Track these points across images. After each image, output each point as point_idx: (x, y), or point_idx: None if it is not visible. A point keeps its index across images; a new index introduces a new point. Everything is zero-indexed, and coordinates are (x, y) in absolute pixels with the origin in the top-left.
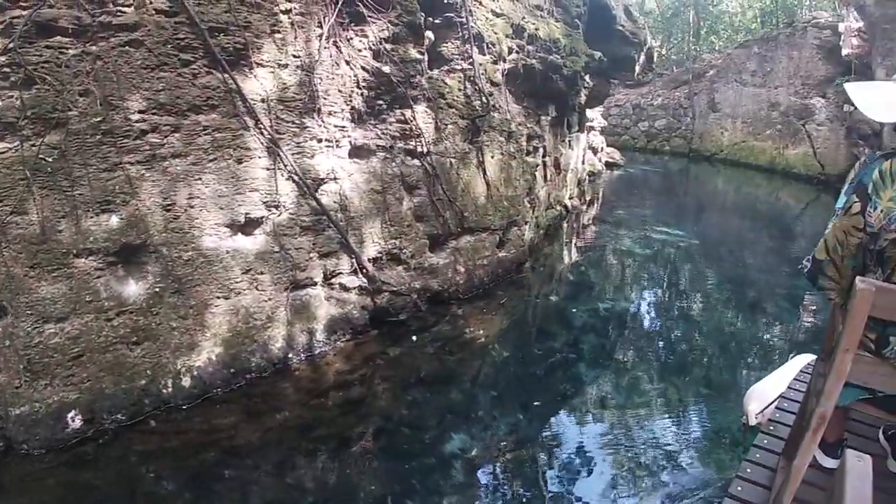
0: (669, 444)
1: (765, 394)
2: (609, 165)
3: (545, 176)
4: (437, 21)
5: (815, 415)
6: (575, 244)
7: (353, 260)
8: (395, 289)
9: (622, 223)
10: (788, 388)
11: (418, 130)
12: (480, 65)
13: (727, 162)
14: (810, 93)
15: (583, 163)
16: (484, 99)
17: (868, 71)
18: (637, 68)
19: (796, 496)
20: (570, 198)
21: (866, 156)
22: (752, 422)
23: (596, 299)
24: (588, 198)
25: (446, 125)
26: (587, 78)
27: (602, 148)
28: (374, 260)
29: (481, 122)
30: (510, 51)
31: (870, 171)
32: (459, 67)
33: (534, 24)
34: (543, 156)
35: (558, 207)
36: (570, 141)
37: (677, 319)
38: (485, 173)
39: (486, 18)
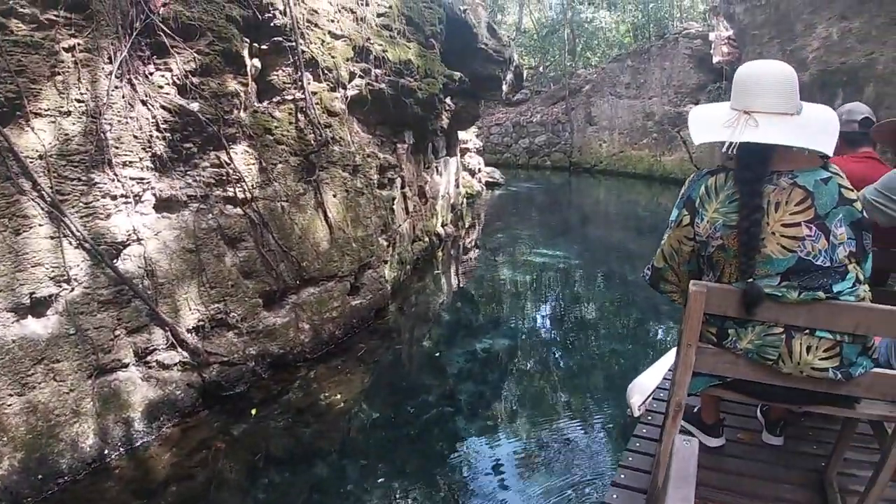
0: (558, 469)
1: (645, 386)
2: (490, 185)
3: (406, 208)
4: (263, 47)
5: (671, 403)
6: (449, 277)
7: (169, 332)
8: (225, 359)
9: (501, 248)
10: (664, 378)
11: (238, 174)
12: (315, 93)
13: (607, 172)
14: (683, 101)
15: (457, 187)
16: (319, 132)
17: None
18: (504, 87)
19: None
20: (444, 225)
21: (695, 172)
22: (636, 413)
23: (472, 339)
24: (467, 222)
25: (275, 164)
26: (448, 100)
27: (480, 168)
28: (196, 329)
29: (317, 158)
30: (353, 76)
31: (697, 186)
32: (291, 98)
33: (381, 45)
34: (402, 186)
35: (427, 239)
36: (437, 167)
37: (560, 347)
38: (326, 215)
39: (323, 41)
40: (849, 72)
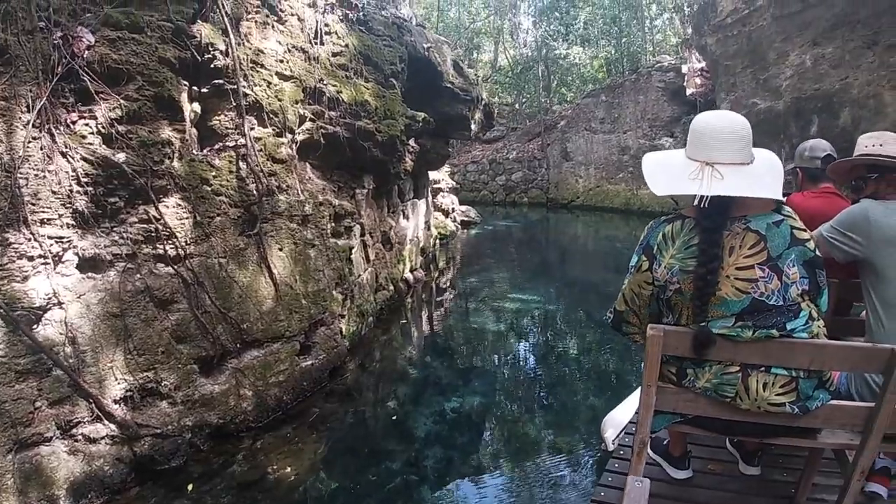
0: None
1: (618, 420)
2: (465, 224)
3: (366, 256)
4: (204, 90)
5: (635, 441)
6: (418, 327)
7: (93, 404)
8: (158, 430)
9: (475, 292)
10: (636, 413)
11: (168, 230)
12: (259, 139)
13: (584, 208)
14: (658, 134)
15: (427, 229)
16: (263, 180)
17: (712, 107)
18: (473, 126)
19: None
20: (413, 270)
21: (654, 220)
22: (610, 447)
23: (441, 397)
24: (440, 265)
25: (212, 218)
26: (412, 142)
27: (454, 208)
28: (124, 399)
29: (259, 209)
30: (303, 119)
31: (655, 234)
32: (233, 144)
33: (335, 86)
34: (362, 234)
35: (391, 287)
36: (403, 210)
37: (534, 399)
38: (270, 270)
39: (269, 83)
40: (823, 98)
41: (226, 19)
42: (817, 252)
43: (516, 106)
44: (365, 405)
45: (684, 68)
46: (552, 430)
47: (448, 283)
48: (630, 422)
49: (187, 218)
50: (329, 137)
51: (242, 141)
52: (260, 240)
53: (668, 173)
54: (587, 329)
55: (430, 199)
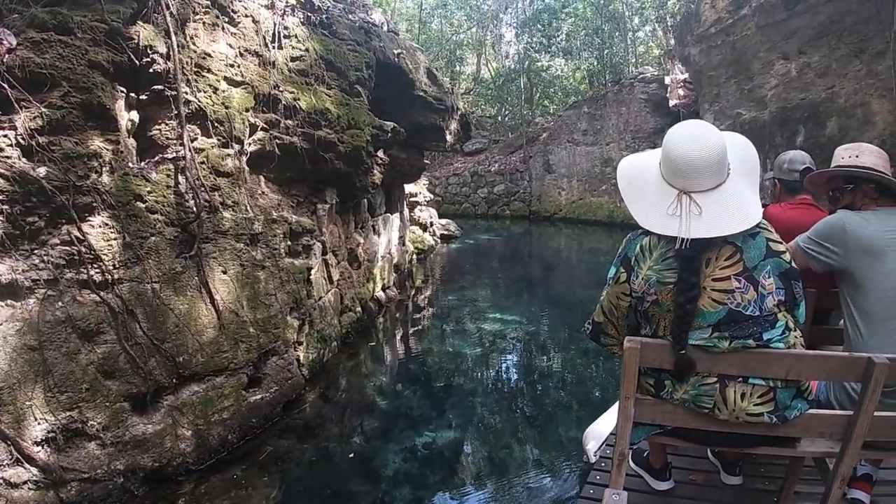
0: None
1: (600, 432)
2: (445, 238)
3: (329, 276)
4: (143, 97)
5: (615, 453)
6: (388, 351)
7: (11, 447)
8: (86, 475)
9: (451, 313)
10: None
11: (93, 252)
12: (202, 150)
13: (567, 220)
14: (641, 145)
15: (402, 244)
16: (203, 196)
17: (695, 118)
18: (449, 137)
19: None
20: (386, 289)
21: (632, 233)
22: (592, 459)
23: (412, 430)
24: (417, 282)
25: (145, 238)
26: (380, 153)
27: (432, 222)
28: (47, 441)
29: (199, 228)
30: (254, 129)
31: (633, 245)
32: (172, 156)
33: (293, 92)
34: (324, 252)
35: (359, 309)
36: (374, 225)
37: (515, 433)
38: (212, 296)
39: (216, 89)
40: (809, 107)
41: (169, 20)
42: (793, 263)
43: (499, 118)
44: (326, 441)
45: (667, 79)
46: (533, 453)
47: (424, 302)
48: (611, 433)
49: (115, 238)
50: (285, 148)
51: (183, 152)
52: (200, 262)
53: (645, 197)
54: (571, 349)
55: (405, 212)
